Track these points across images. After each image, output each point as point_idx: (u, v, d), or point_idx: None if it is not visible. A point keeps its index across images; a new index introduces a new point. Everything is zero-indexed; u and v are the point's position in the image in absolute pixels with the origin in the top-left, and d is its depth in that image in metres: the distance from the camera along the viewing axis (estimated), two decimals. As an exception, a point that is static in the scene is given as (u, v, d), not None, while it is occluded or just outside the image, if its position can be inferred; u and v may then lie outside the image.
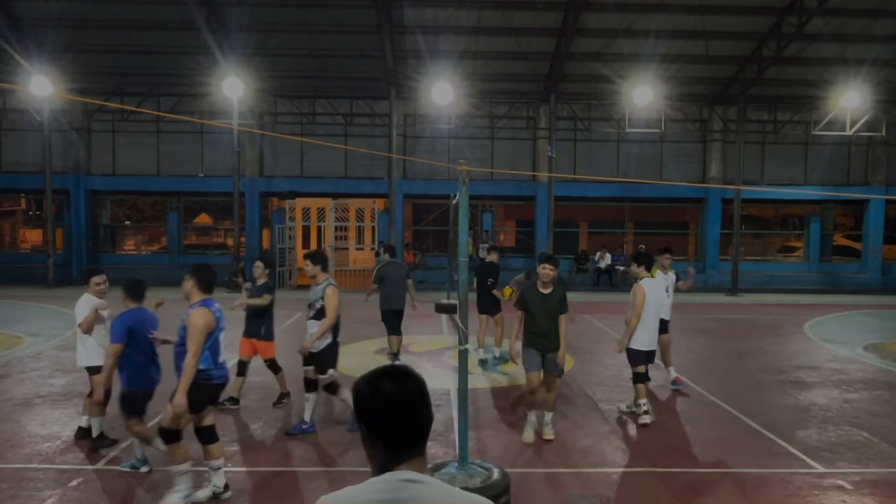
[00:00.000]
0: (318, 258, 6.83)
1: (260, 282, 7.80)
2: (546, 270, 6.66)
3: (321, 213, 21.69)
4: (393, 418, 1.65)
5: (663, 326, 8.39)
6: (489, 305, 10.25)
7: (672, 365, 8.89)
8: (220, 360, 5.17)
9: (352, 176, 22.62)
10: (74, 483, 5.53)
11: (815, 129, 22.25)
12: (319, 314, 6.66)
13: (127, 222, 27.26)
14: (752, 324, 14.93)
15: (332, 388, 6.79)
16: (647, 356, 7.48)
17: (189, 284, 5.12)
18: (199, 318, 4.94)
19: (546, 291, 6.68)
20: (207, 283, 5.18)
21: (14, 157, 22.33)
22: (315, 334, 6.62)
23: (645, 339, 7.39)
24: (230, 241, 23.37)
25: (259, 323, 7.72)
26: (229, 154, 20.93)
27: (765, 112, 22.70)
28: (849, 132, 21.63)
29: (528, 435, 6.66)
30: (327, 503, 1.66)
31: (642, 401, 7.32)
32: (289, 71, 20.74)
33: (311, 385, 6.86)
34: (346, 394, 6.67)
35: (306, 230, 22.23)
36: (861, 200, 23.11)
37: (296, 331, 13.24)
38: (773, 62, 19.41)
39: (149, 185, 22.64)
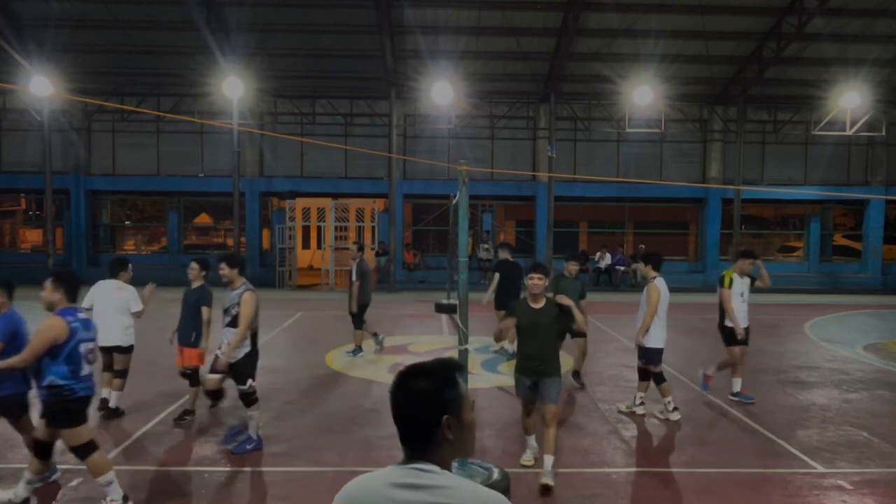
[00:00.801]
0: (235, 261, 6.42)
1: (195, 284, 7.20)
2: (534, 281, 5.70)
3: (321, 213, 21.69)
4: (397, 413, 1.78)
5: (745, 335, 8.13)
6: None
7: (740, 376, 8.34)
8: (84, 372, 4.85)
9: (352, 176, 22.62)
10: (74, 483, 5.52)
11: (815, 129, 22.26)
12: (235, 321, 6.22)
13: (127, 222, 27.26)
14: (753, 324, 14.90)
15: (249, 399, 6.25)
16: (659, 354, 7.50)
17: (58, 297, 4.86)
18: (47, 327, 4.69)
19: (537, 306, 5.71)
20: (74, 291, 4.96)
21: (14, 157, 22.33)
22: (231, 345, 6.18)
23: (662, 336, 7.43)
24: (230, 241, 23.38)
25: (190, 329, 7.09)
26: (229, 154, 20.95)
27: (765, 112, 22.71)
28: (849, 132, 21.63)
29: (527, 458, 6.05)
30: (340, 501, 1.77)
31: (668, 398, 7.44)
32: (289, 71, 20.75)
33: (215, 395, 6.49)
34: (256, 412, 6.29)
35: (306, 230, 22.24)
36: (861, 200, 23.11)
37: (295, 330, 13.26)
38: (773, 62, 19.41)
39: (149, 185, 22.64)
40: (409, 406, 1.76)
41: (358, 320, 10.59)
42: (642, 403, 7.69)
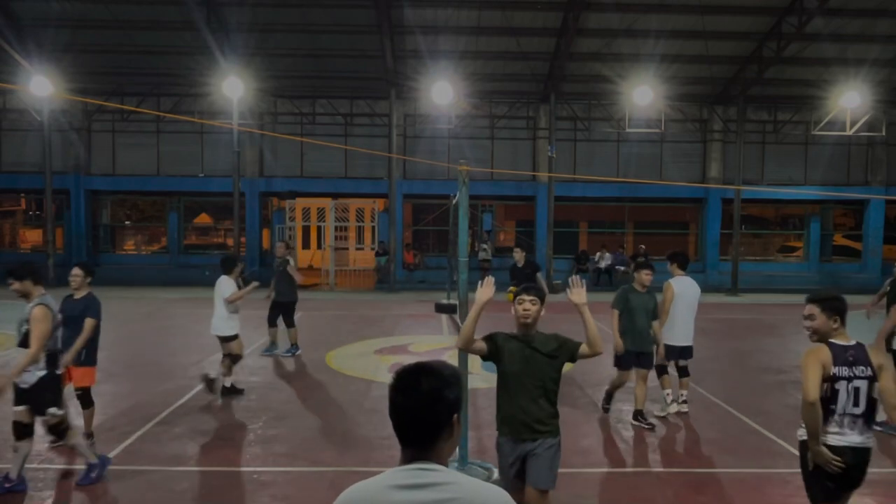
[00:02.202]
0: (22, 272, 5.45)
1: (79, 295, 6.33)
2: (525, 306, 4.01)
3: (321, 213, 21.70)
4: (407, 413, 1.80)
5: None
6: None
7: None
8: None
9: (352, 176, 22.62)
10: (74, 483, 5.53)
11: (815, 129, 22.25)
12: (26, 340, 5.28)
13: (127, 222, 27.25)
14: (752, 324, 14.92)
15: (58, 430, 5.49)
16: (681, 352, 7.64)
17: None
18: None
19: (528, 339, 4.01)
20: None
21: (14, 157, 22.33)
22: (17, 366, 5.17)
23: (676, 335, 7.51)
24: (230, 241, 23.37)
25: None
26: (229, 154, 20.94)
27: (765, 112, 22.70)
28: (849, 132, 21.62)
29: None
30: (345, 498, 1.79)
31: (667, 391, 7.59)
32: (289, 71, 20.74)
33: (22, 430, 5.28)
34: (78, 439, 5.59)
35: (306, 230, 22.24)
36: (861, 200, 23.10)
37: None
38: (773, 62, 19.40)
39: (149, 185, 22.64)
40: (423, 406, 1.78)
41: (289, 319, 10.62)
42: (685, 402, 7.78)
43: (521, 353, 3.99)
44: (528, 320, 4.02)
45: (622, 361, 7.32)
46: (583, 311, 4.06)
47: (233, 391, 8.21)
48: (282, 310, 10.63)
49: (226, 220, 25.20)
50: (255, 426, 7.10)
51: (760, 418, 7.56)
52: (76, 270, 6.42)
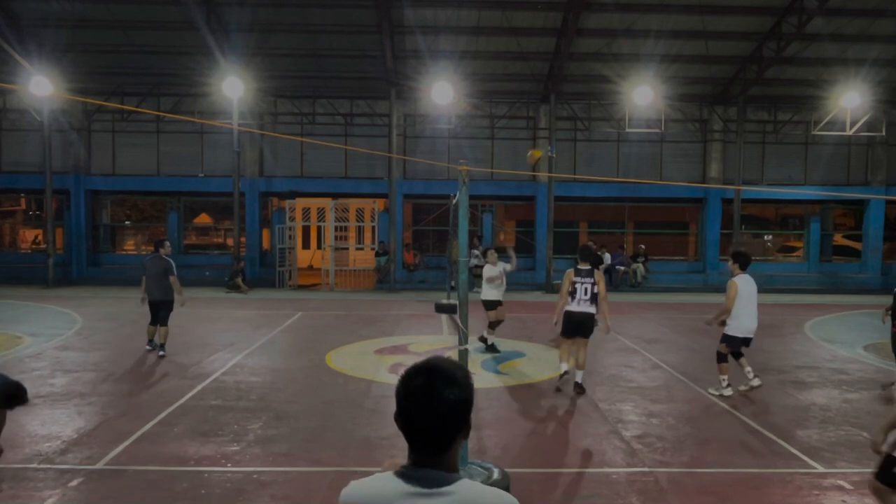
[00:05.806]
0: None
1: None
2: None
3: (321, 213, 21.70)
4: (410, 424, 1.71)
5: None
6: None
7: None
8: None
9: (352, 176, 22.61)
10: (74, 483, 5.53)
11: (815, 129, 22.24)
12: None
13: (127, 222, 27.27)
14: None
15: None
16: (743, 341, 8.43)
17: None
18: None
19: None
20: None
21: (14, 157, 22.31)
22: None
23: (742, 326, 8.31)
24: (230, 241, 23.37)
25: None
26: (229, 154, 20.94)
27: (765, 112, 22.69)
28: (849, 132, 21.61)
29: None
30: (348, 502, 1.75)
31: (723, 376, 8.41)
32: (289, 71, 20.74)
33: None
34: None
35: (306, 230, 22.23)
36: (861, 200, 23.09)
37: (295, 330, 13.26)
38: (773, 62, 19.41)
39: (149, 185, 22.63)
40: (440, 416, 1.68)
41: (164, 315, 10.47)
42: (756, 376, 8.34)
43: None
44: None
45: None
46: None
47: (493, 349, 10.87)
48: (160, 307, 10.46)
49: (226, 220, 25.20)
50: (256, 426, 7.10)
51: (760, 418, 7.57)
52: None
